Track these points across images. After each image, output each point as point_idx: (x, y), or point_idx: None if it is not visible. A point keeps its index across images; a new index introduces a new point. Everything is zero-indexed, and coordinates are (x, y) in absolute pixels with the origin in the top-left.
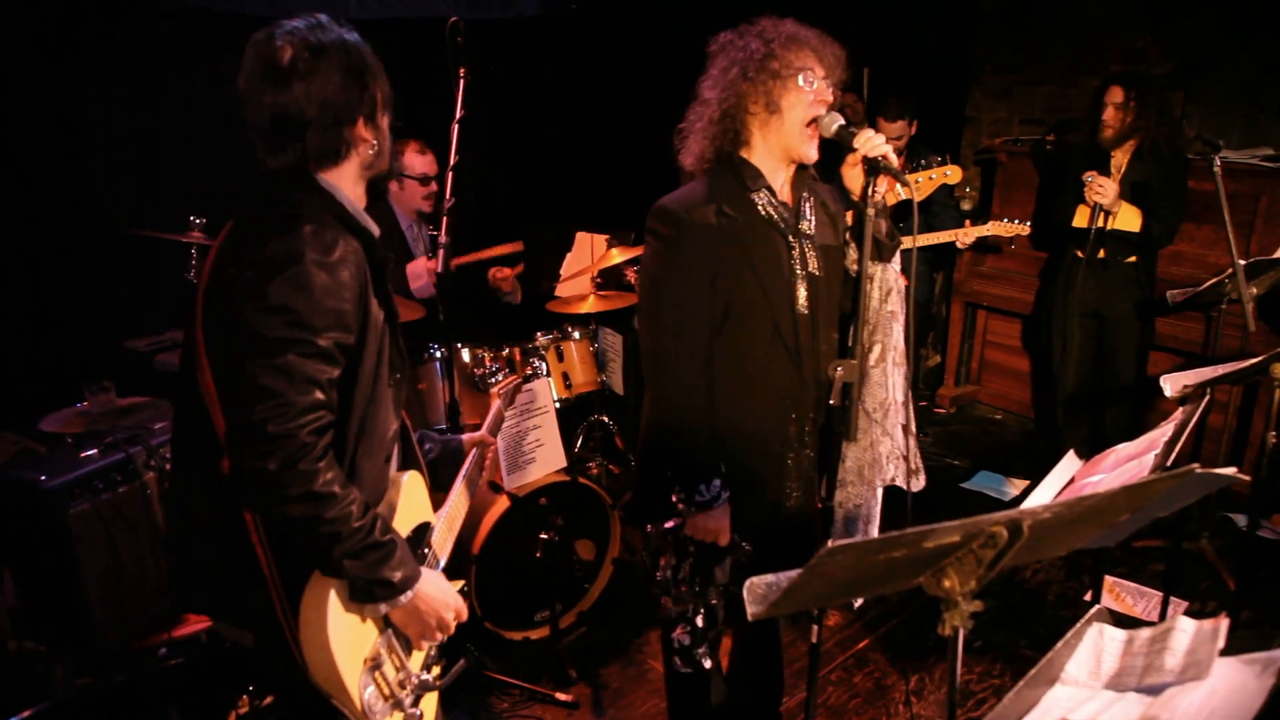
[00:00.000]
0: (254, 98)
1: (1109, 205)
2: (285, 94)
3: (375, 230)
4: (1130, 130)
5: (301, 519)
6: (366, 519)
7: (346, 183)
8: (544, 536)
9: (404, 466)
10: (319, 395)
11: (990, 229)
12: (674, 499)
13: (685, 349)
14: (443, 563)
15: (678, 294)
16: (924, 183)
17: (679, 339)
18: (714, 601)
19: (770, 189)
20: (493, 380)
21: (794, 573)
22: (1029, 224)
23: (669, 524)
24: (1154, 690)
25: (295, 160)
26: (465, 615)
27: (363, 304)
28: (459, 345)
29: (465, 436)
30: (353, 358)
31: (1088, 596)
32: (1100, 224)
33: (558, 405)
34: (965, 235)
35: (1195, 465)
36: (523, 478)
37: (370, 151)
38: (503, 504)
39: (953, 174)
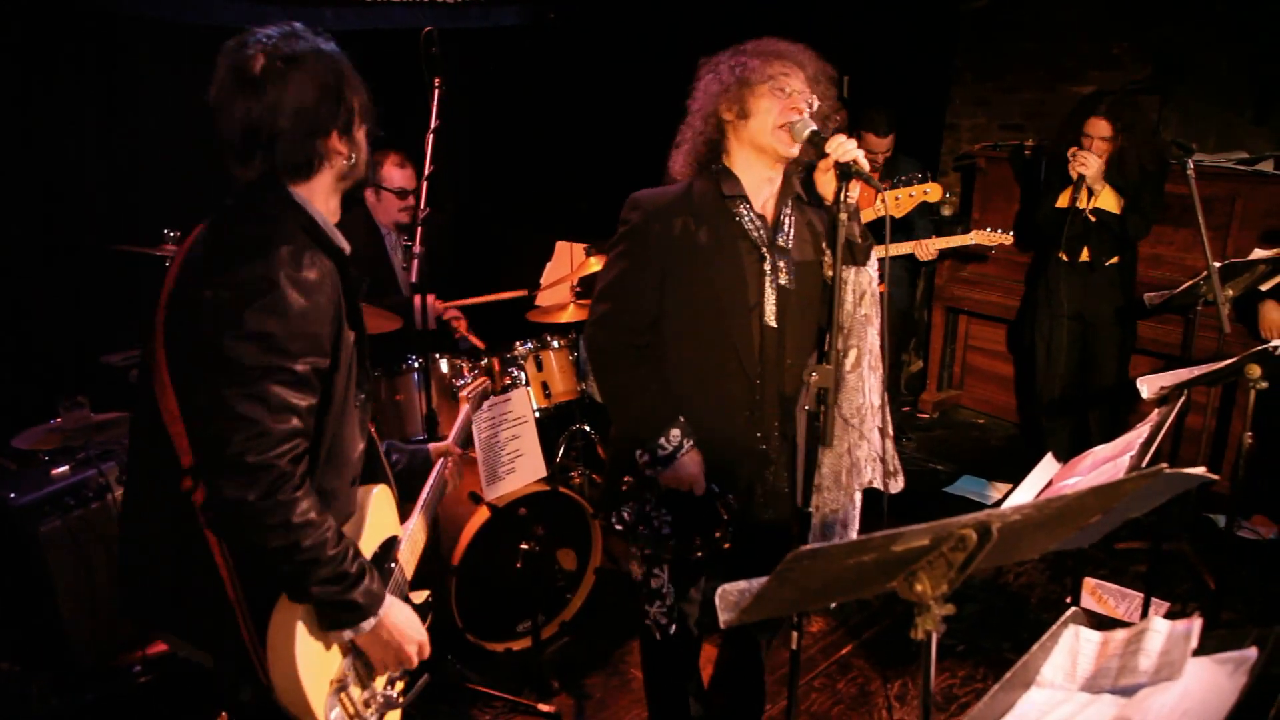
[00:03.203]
0: (224, 107)
1: (1092, 179)
2: (256, 103)
3: (346, 248)
4: (1115, 153)
5: (279, 548)
6: (340, 546)
7: (319, 196)
8: (525, 547)
9: (371, 480)
10: (296, 423)
11: (974, 238)
12: (641, 463)
13: (624, 325)
14: (408, 576)
15: (626, 278)
16: (904, 200)
17: (619, 318)
18: (699, 555)
19: (748, 199)
20: (459, 384)
21: (765, 579)
22: (1011, 233)
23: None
24: (1128, 691)
25: (265, 172)
26: (428, 652)
27: (336, 326)
28: (436, 355)
29: (432, 446)
30: (325, 381)
31: (1069, 599)
32: (1082, 204)
33: (537, 415)
34: (929, 247)
35: (1164, 465)
36: (502, 488)
37: (344, 164)
38: (482, 515)
39: (932, 192)
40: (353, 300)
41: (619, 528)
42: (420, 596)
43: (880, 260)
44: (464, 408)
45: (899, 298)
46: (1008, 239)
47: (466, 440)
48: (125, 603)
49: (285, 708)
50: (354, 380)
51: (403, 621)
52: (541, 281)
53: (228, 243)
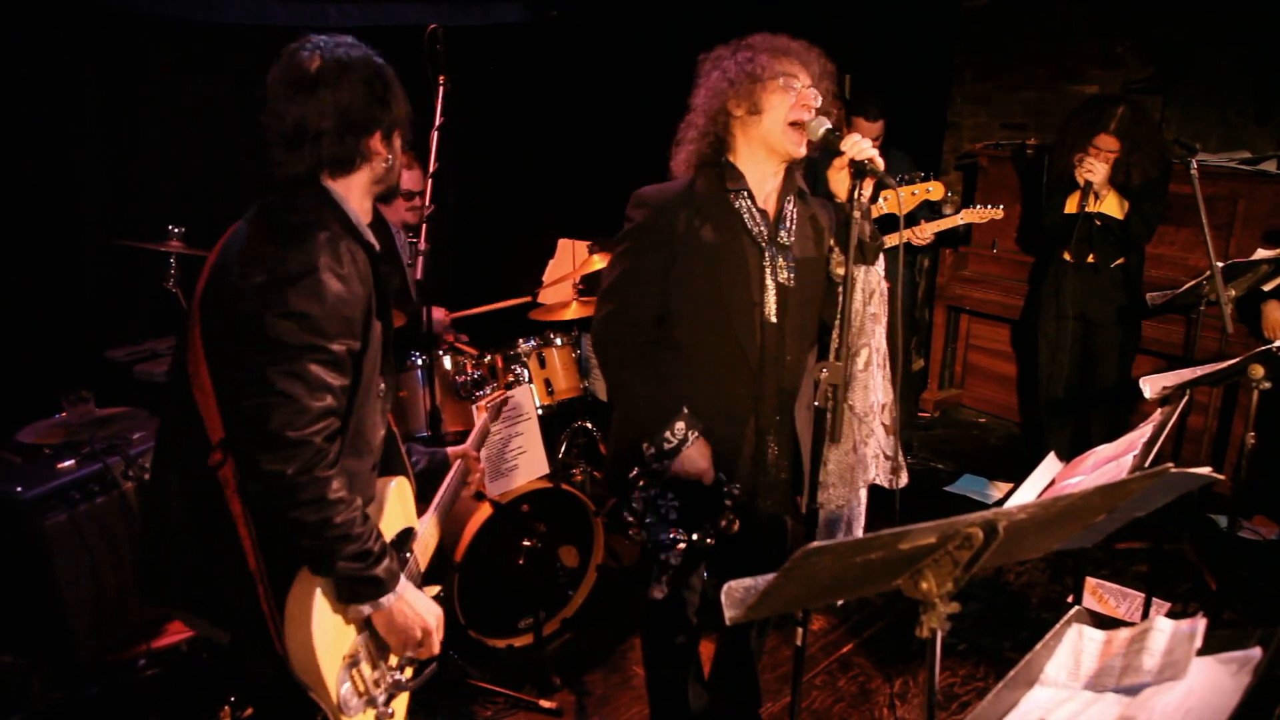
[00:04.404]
0: (278, 103)
1: (1098, 185)
2: (309, 101)
3: (377, 245)
4: (1120, 161)
5: (312, 523)
6: (367, 525)
7: (355, 194)
8: (527, 544)
9: (390, 471)
10: (330, 401)
11: (964, 218)
12: (647, 456)
13: (629, 322)
14: (422, 568)
15: (631, 274)
16: (906, 199)
17: (623, 316)
18: (708, 541)
19: (750, 194)
20: (479, 394)
21: (771, 575)
22: (1000, 207)
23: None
24: (1132, 690)
25: (309, 166)
26: (443, 631)
27: (367, 314)
28: (440, 352)
29: (451, 450)
30: (355, 364)
31: (1070, 599)
32: (1090, 208)
33: (540, 412)
34: (922, 231)
35: (1170, 465)
36: (505, 485)
37: (382, 166)
38: (485, 511)
39: (934, 190)
40: (382, 294)
41: (629, 519)
42: (431, 591)
43: (888, 252)
44: (482, 415)
45: (902, 296)
46: (998, 213)
47: (482, 445)
48: (143, 583)
49: (299, 676)
50: (379, 369)
51: (417, 603)
52: (544, 279)
53: (270, 231)
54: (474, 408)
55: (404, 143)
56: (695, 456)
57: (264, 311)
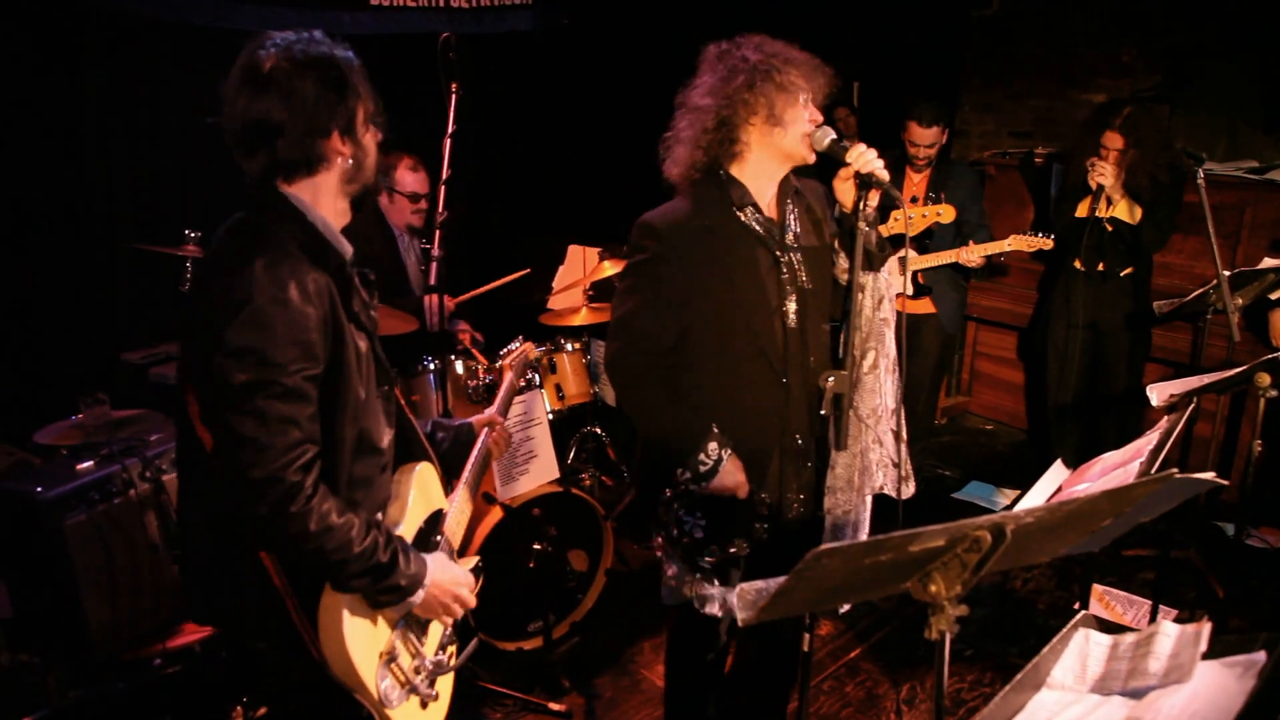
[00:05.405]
0: (231, 102)
1: (1110, 189)
2: (259, 100)
3: (347, 251)
4: (1130, 164)
5: (306, 553)
6: (368, 541)
7: (325, 197)
8: (537, 547)
9: (413, 459)
10: (297, 434)
11: (1011, 244)
12: (682, 480)
13: (644, 351)
14: (455, 545)
15: (647, 305)
16: (916, 219)
17: (638, 346)
18: (736, 552)
19: (756, 205)
20: (503, 352)
21: (783, 578)
22: (1051, 236)
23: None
24: (1138, 693)
25: (265, 167)
26: (474, 595)
27: (333, 329)
28: (452, 357)
29: (475, 419)
30: (334, 382)
31: (1077, 605)
32: (1101, 213)
33: (550, 417)
34: (972, 254)
35: (1174, 470)
36: (516, 488)
37: (347, 165)
38: (496, 515)
39: (945, 213)
40: (349, 302)
41: (667, 546)
42: (470, 562)
43: (901, 260)
44: (507, 375)
45: (950, 320)
46: (1047, 243)
47: (509, 407)
48: (190, 602)
49: (339, 679)
50: (370, 376)
51: (445, 577)
52: (554, 285)
53: (216, 259)
54: (499, 365)
55: (375, 139)
56: (732, 470)
57: (212, 351)
